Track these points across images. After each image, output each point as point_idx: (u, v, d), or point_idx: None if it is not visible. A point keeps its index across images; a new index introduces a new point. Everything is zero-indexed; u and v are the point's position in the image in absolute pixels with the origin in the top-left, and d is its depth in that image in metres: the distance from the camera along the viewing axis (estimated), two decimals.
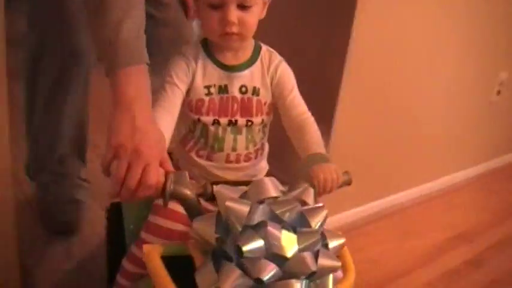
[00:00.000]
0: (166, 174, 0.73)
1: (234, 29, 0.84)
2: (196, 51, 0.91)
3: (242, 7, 0.83)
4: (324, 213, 0.66)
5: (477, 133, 2.29)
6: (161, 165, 0.74)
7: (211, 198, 0.75)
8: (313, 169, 0.81)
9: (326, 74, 1.58)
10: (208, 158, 0.93)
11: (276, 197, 0.66)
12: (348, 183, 0.85)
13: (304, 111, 0.93)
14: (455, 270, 1.74)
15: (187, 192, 0.74)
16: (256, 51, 0.93)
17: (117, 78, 0.75)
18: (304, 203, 0.68)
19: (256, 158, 0.96)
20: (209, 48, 0.91)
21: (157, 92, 0.86)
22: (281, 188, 0.70)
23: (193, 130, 0.93)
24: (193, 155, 0.94)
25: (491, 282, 1.71)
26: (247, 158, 0.94)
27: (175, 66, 0.89)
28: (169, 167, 0.76)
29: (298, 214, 0.66)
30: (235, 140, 0.92)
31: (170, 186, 0.72)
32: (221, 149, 0.92)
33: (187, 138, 0.94)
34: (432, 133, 2.02)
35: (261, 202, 0.65)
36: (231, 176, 0.94)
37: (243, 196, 0.67)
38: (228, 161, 0.93)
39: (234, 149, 0.92)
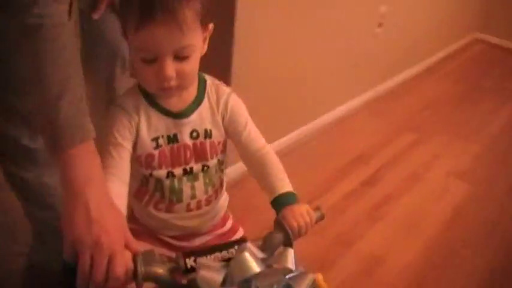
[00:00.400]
0: (134, 256, 0.68)
1: (173, 83, 0.76)
2: (135, 101, 0.82)
3: (179, 58, 0.74)
4: (310, 277, 0.65)
5: (365, 62, 2.47)
6: (126, 246, 0.69)
7: (186, 271, 0.71)
8: (285, 216, 0.78)
9: None
10: (168, 210, 0.88)
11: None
12: (321, 218, 0.82)
13: (263, 145, 0.87)
14: (354, 191, 1.97)
15: (160, 270, 0.69)
16: (202, 87, 0.85)
17: (62, 162, 0.67)
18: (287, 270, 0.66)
19: (216, 197, 0.92)
20: (149, 94, 0.82)
21: (102, 154, 0.78)
22: (260, 255, 0.68)
23: (146, 184, 0.86)
24: (151, 209, 0.88)
25: (384, 197, 1.96)
26: (208, 202, 0.90)
27: (115, 123, 0.80)
28: (135, 246, 0.70)
29: (285, 285, 0.64)
30: (193, 187, 0.86)
31: (141, 269, 0.67)
32: (180, 200, 0.86)
33: (141, 192, 0.87)
34: (324, 66, 2.16)
35: (246, 281, 0.63)
36: (193, 223, 0.90)
37: (227, 276, 0.64)
38: (188, 209, 0.88)
39: (193, 197, 0.87)
